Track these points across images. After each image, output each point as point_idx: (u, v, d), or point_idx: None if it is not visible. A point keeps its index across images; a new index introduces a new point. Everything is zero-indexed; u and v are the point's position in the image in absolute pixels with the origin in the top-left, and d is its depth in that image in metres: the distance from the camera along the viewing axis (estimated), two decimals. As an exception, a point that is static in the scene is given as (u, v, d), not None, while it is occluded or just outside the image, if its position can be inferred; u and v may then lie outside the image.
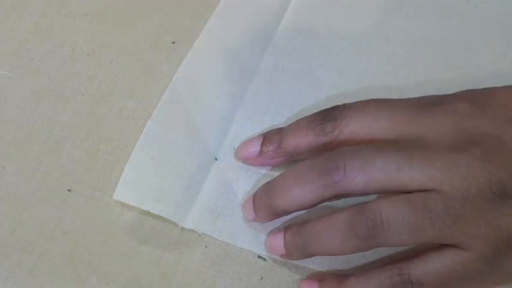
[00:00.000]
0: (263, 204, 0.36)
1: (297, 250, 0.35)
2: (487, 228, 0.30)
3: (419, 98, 0.36)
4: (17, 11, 0.50)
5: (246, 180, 0.40)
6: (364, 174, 0.32)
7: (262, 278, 0.37)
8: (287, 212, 0.36)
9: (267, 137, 0.39)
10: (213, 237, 0.39)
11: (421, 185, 0.31)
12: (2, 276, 0.39)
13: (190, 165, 0.40)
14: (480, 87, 0.41)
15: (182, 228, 0.39)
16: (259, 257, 0.38)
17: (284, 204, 0.35)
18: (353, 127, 0.35)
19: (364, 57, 0.44)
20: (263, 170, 0.40)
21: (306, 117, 0.37)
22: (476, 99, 0.34)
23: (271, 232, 0.38)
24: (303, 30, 0.46)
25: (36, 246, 0.40)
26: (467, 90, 0.35)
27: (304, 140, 0.37)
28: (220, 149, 0.41)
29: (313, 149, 0.37)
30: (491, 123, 0.32)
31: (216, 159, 0.41)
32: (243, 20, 0.46)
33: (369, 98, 0.42)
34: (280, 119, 0.42)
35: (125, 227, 0.40)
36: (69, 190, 0.41)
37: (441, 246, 0.32)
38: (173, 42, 0.47)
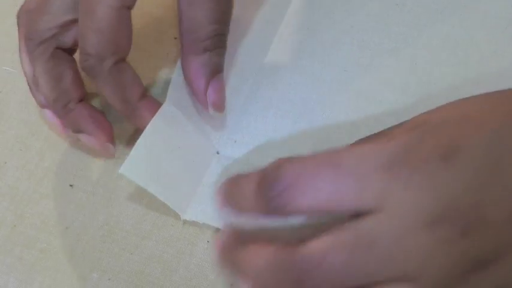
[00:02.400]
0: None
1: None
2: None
3: (379, 153, 0.29)
4: (19, 7, 0.50)
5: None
6: (305, 198, 0.29)
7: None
8: None
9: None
10: (215, 233, 0.39)
11: (371, 210, 0.29)
12: (3, 271, 0.39)
13: (194, 157, 0.40)
14: (482, 82, 0.41)
15: (184, 223, 0.39)
16: (261, 252, 0.38)
17: None
18: (300, 205, 0.29)
19: (366, 52, 0.44)
20: (264, 164, 0.40)
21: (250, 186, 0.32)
22: (449, 153, 0.29)
23: None
24: (305, 25, 0.45)
25: (37, 242, 0.40)
26: (438, 131, 0.30)
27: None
28: (222, 143, 0.41)
29: None
30: (467, 189, 0.29)
31: (218, 153, 0.41)
32: (244, 15, 0.46)
33: (371, 94, 0.42)
34: (282, 114, 0.42)
35: (126, 222, 0.40)
36: (70, 185, 0.41)
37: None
38: (175, 38, 0.47)
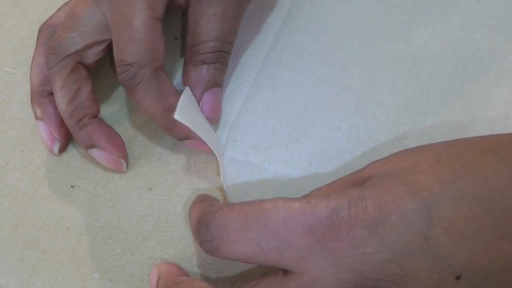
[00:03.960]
0: None
1: None
2: None
3: (307, 214, 0.30)
4: (20, 8, 0.50)
5: (248, 174, 0.40)
6: (232, 249, 0.31)
7: (264, 274, 0.38)
8: None
9: None
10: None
11: (293, 268, 0.30)
12: (5, 272, 0.39)
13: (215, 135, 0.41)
14: (482, 82, 0.41)
15: (185, 223, 0.39)
16: (262, 252, 0.38)
17: None
18: (229, 254, 0.31)
19: (367, 52, 0.44)
20: (264, 164, 0.40)
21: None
22: (375, 222, 0.29)
23: None
24: (305, 25, 0.45)
25: (39, 242, 0.40)
26: (368, 202, 0.29)
27: None
28: (224, 145, 0.41)
29: None
30: (390, 260, 0.28)
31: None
32: (245, 16, 0.46)
33: (371, 94, 0.42)
34: (282, 114, 0.42)
35: (127, 223, 0.40)
36: (72, 186, 0.42)
37: None
38: (175, 38, 0.47)
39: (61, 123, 0.42)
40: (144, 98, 0.38)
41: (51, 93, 0.41)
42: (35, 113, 0.42)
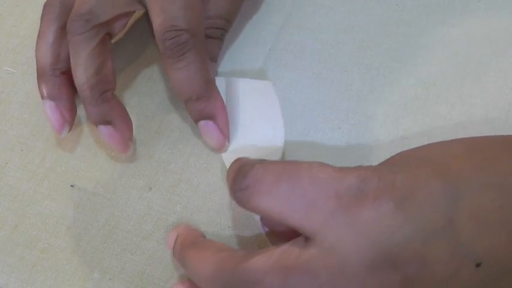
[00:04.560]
0: None
1: None
2: None
3: (336, 181, 0.30)
4: (20, 7, 0.50)
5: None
6: (262, 201, 0.31)
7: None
8: None
9: None
10: (215, 233, 0.39)
11: (315, 233, 0.29)
12: (5, 271, 0.39)
13: None
14: (482, 82, 0.41)
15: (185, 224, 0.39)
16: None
17: None
18: (257, 205, 0.31)
19: (367, 52, 0.44)
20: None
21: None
22: (402, 198, 0.28)
23: None
24: (305, 25, 0.46)
25: (39, 242, 0.40)
26: (395, 177, 0.29)
27: None
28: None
29: None
30: (414, 238, 0.28)
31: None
32: (245, 16, 0.46)
33: (371, 95, 0.42)
34: (282, 114, 0.42)
35: (127, 223, 0.40)
36: (72, 186, 0.42)
37: None
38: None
39: (72, 105, 0.41)
40: (188, 67, 0.37)
41: (63, 72, 0.41)
42: (41, 92, 0.41)
